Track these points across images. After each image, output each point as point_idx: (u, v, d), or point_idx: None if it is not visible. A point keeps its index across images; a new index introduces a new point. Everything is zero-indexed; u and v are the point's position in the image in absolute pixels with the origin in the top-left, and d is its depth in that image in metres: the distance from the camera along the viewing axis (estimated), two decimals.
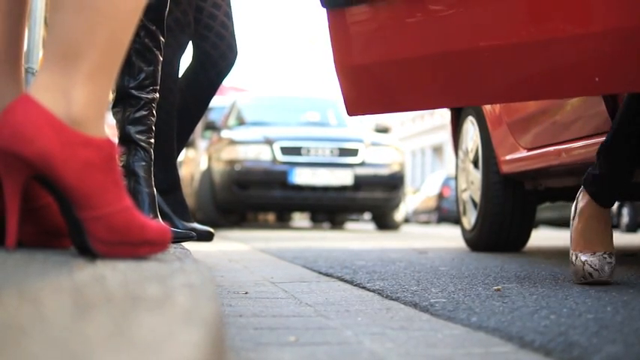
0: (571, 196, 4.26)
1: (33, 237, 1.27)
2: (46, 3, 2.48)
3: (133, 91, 2.18)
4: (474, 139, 4.13)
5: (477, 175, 4.10)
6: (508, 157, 3.70)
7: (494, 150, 3.83)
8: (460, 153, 4.45)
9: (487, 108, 3.88)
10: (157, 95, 2.24)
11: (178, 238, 2.23)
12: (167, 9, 2.26)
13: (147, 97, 2.19)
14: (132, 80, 2.18)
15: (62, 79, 1.13)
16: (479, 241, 4.04)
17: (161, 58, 2.25)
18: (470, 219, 4.19)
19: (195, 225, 2.57)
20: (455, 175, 4.56)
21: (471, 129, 4.22)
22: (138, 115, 2.18)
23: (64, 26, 1.13)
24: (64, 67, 1.13)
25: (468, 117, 4.28)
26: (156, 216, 2.14)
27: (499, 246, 3.97)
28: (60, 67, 1.13)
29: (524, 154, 3.52)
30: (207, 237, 2.55)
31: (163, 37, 2.24)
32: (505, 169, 3.74)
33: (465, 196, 4.29)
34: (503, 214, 3.88)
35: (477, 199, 4.06)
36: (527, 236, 4.06)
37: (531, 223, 4.00)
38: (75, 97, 1.13)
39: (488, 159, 3.92)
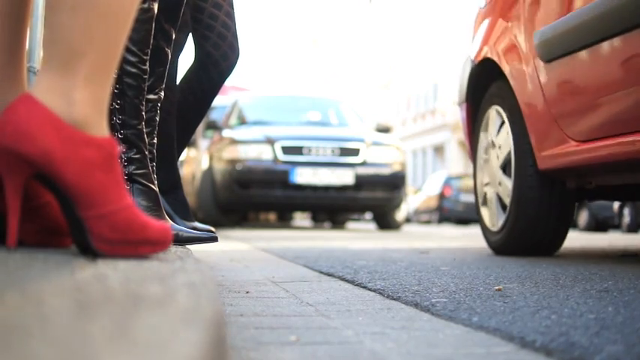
0: (617, 195, 3.80)
1: (33, 236, 1.27)
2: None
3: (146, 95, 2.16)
4: (502, 133, 3.70)
5: (503, 177, 3.69)
6: (550, 152, 3.27)
7: (532, 144, 3.40)
8: (480, 146, 4.00)
9: (524, 98, 3.43)
10: (163, 94, 2.23)
11: (195, 239, 2.20)
12: (183, 8, 2.25)
13: (154, 98, 2.18)
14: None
15: (62, 79, 1.13)
16: (507, 244, 3.63)
17: (170, 57, 2.23)
18: (495, 219, 3.76)
19: (197, 224, 2.57)
20: (473, 172, 4.13)
21: (497, 120, 3.79)
22: (146, 117, 2.16)
23: (60, 26, 1.13)
24: (64, 67, 1.13)
25: (492, 106, 3.83)
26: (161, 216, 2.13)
27: (530, 250, 3.57)
28: (59, 67, 1.13)
29: (573, 147, 3.10)
30: (212, 239, 2.54)
31: (175, 34, 2.24)
32: (545, 164, 3.32)
33: (490, 193, 3.84)
34: (538, 215, 3.48)
35: (506, 197, 3.63)
36: (563, 239, 3.65)
37: (568, 225, 3.58)
38: (75, 97, 1.13)
39: (522, 154, 3.50)
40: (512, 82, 3.54)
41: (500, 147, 3.76)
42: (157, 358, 0.52)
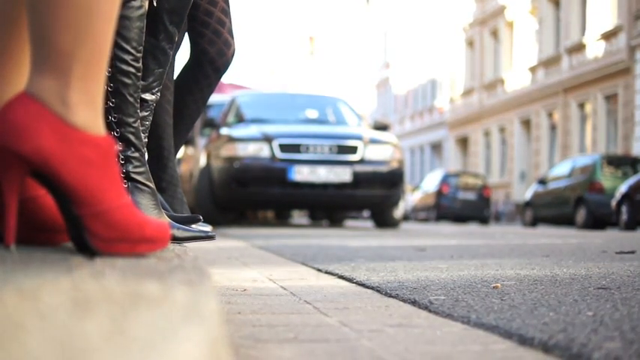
0: None
1: (20, 233, 1.26)
2: None
3: (141, 94, 2.16)
4: None
5: None
6: None
7: None
8: None
9: None
10: (160, 94, 2.22)
11: (192, 238, 2.20)
12: (188, 9, 2.25)
13: (152, 99, 2.18)
14: (142, 82, 2.16)
15: (53, 79, 1.12)
16: None
17: (170, 58, 2.23)
18: None
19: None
20: None
21: None
22: (140, 115, 2.16)
23: (43, 26, 1.11)
24: (52, 67, 1.12)
25: None
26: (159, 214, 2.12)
27: None
28: (48, 67, 1.12)
29: None
30: (209, 237, 2.53)
31: (178, 35, 2.24)
32: None
33: None
34: None
35: None
36: None
37: None
38: (69, 96, 1.13)
39: None
40: None
41: None
42: (155, 356, 0.52)
